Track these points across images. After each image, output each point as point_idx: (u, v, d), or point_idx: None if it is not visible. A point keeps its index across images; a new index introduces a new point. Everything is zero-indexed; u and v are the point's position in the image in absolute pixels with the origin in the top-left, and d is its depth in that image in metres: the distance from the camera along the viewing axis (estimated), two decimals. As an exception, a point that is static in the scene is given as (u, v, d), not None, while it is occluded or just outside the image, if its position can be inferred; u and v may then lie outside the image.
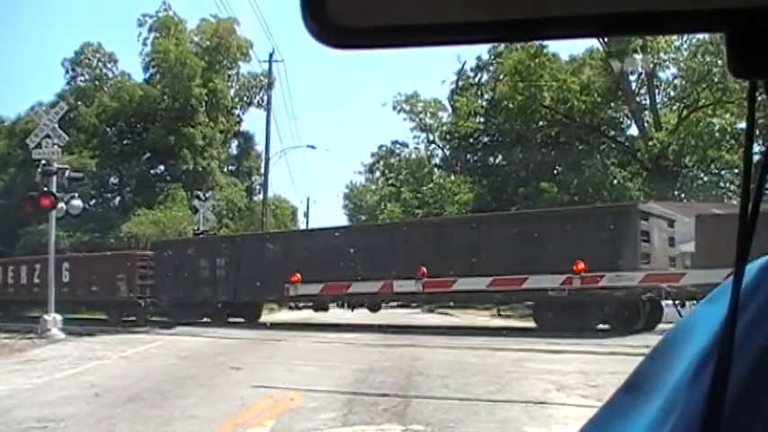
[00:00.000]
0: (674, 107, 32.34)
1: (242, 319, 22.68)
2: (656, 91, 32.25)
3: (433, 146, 41.71)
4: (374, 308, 22.41)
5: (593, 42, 30.80)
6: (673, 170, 29.29)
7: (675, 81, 32.20)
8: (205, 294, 22.91)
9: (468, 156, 37.37)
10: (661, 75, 32.63)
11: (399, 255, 19.57)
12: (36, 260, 25.73)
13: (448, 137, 38.69)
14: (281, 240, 24.27)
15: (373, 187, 51.00)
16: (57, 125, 20.09)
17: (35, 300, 24.36)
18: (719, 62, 25.28)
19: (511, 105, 31.24)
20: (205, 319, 22.41)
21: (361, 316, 22.24)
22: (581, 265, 16.98)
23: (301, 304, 24.33)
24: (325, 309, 22.79)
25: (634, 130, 33.02)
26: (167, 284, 23.27)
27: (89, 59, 39.75)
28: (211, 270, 23.19)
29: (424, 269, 19.07)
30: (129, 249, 28.07)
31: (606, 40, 27.30)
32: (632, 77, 32.07)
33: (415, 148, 43.02)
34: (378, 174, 47.38)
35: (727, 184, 29.60)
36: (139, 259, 24.55)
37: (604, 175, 31.09)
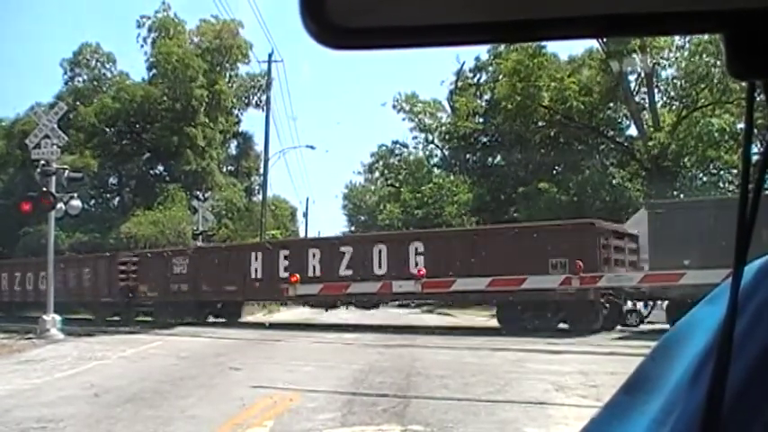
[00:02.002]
0: (674, 107, 32.33)
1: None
2: (656, 91, 32.25)
3: (433, 146, 41.71)
4: None
5: (593, 43, 30.83)
6: (672, 170, 29.26)
7: (675, 81, 32.19)
8: None
9: (468, 156, 37.36)
10: (661, 74, 32.67)
11: None
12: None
13: (447, 137, 38.68)
14: None
15: (373, 187, 51.00)
16: (56, 125, 20.09)
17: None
18: (719, 62, 25.28)
19: (510, 106, 31.20)
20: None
21: (359, 316, 22.22)
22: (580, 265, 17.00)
23: None
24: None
25: (633, 131, 33.04)
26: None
27: (87, 60, 39.70)
28: None
29: (423, 269, 18.98)
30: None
31: (605, 40, 27.27)
32: (631, 77, 32.09)
33: (415, 149, 43.03)
34: (377, 174, 47.35)
35: (727, 185, 29.58)
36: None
37: (603, 175, 31.05)
